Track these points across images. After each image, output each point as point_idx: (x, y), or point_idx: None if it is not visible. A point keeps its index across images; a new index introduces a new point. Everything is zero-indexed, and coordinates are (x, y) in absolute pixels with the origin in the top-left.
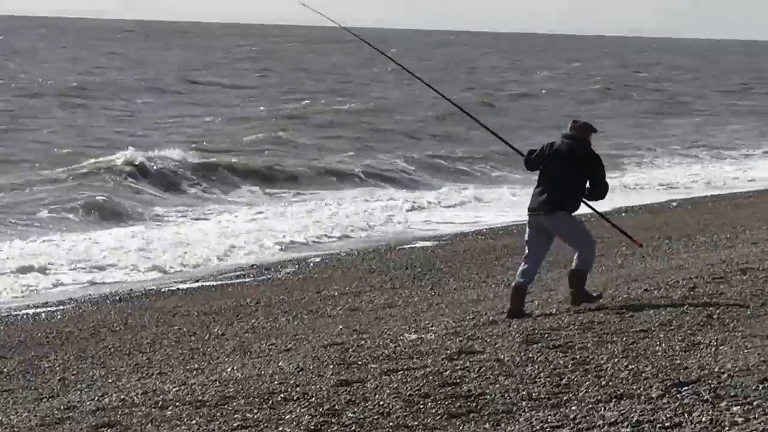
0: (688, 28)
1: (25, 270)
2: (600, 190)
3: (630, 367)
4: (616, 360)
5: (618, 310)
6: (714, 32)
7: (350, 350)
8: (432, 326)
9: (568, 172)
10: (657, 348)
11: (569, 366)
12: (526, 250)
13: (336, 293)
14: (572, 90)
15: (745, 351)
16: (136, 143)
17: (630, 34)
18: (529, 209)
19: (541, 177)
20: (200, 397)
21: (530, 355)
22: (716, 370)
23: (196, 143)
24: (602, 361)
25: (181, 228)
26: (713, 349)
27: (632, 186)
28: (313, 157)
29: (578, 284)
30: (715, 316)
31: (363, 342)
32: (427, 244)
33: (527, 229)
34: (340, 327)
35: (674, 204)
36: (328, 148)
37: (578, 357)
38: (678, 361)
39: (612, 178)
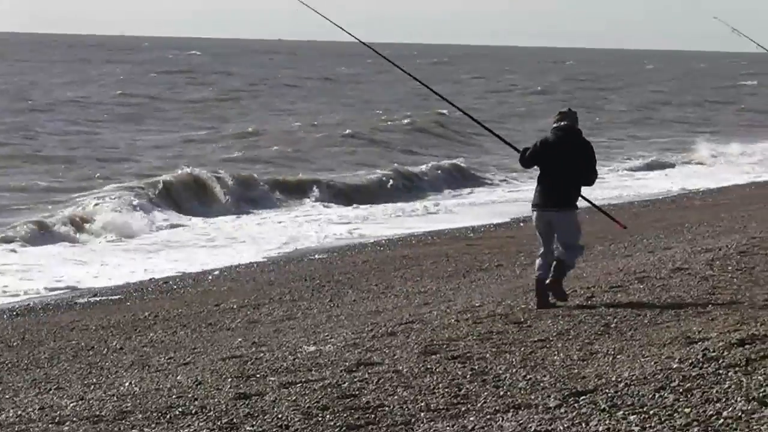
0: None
1: None
2: (593, 177)
3: (528, 377)
4: (514, 370)
5: (516, 320)
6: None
7: (249, 363)
8: (331, 338)
9: (570, 165)
10: (555, 357)
11: (467, 376)
12: (542, 246)
13: (235, 306)
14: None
15: (642, 359)
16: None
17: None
18: (539, 206)
19: (544, 173)
20: (98, 413)
21: (429, 365)
22: (613, 379)
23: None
24: (500, 371)
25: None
26: (610, 358)
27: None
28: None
29: (560, 275)
30: (612, 325)
31: (262, 354)
32: (325, 256)
33: (538, 224)
34: (239, 340)
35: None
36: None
37: (476, 367)
38: (576, 371)
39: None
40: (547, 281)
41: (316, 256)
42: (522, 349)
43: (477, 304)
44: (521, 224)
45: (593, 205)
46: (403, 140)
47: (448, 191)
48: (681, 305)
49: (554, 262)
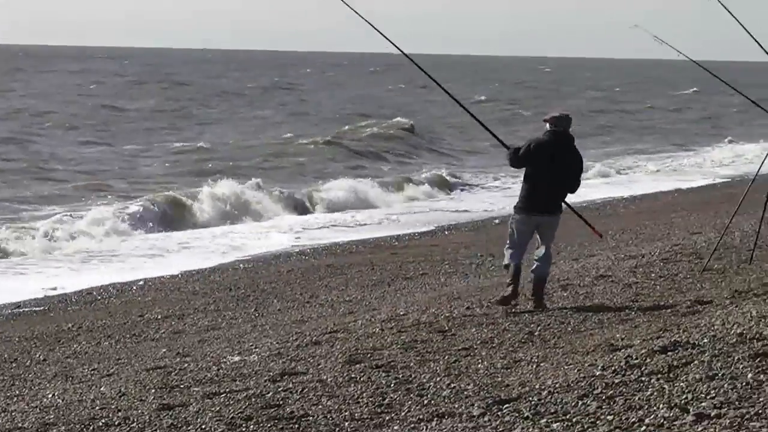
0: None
1: None
2: (577, 185)
3: (452, 385)
4: (438, 379)
5: (440, 329)
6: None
7: (173, 374)
8: (255, 348)
9: (565, 170)
10: (479, 366)
11: (391, 385)
12: (516, 242)
13: (159, 316)
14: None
15: (566, 367)
16: None
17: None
18: (534, 210)
19: (535, 176)
20: (20, 425)
21: (353, 375)
22: (537, 386)
23: None
24: (424, 380)
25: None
26: (534, 366)
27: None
28: None
29: (542, 290)
30: (536, 333)
31: (186, 365)
32: (250, 265)
33: (520, 226)
34: (163, 350)
35: (497, 221)
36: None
37: (400, 376)
38: (499, 379)
39: (438, 201)
40: (534, 299)
41: (241, 266)
42: (446, 357)
43: (401, 313)
44: (446, 233)
45: (572, 209)
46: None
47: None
48: (604, 312)
49: (536, 279)
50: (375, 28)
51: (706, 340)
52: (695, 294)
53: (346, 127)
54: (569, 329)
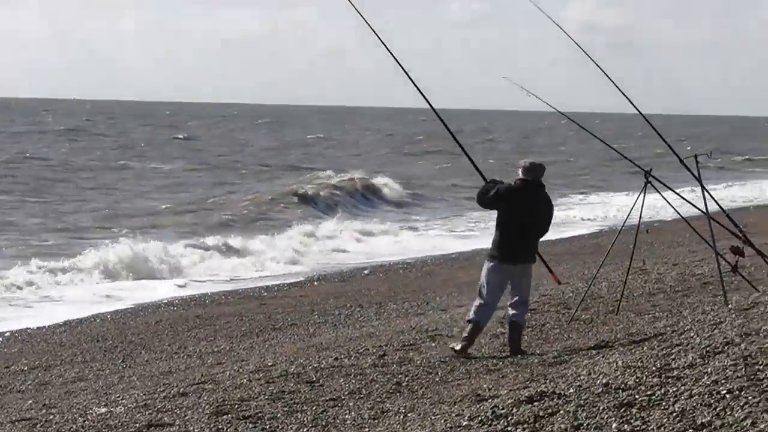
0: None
1: None
2: (547, 231)
3: None
4: (305, 430)
5: (308, 380)
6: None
7: (38, 426)
8: (122, 399)
9: (540, 219)
10: (346, 417)
11: None
12: (486, 295)
13: (25, 367)
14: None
15: (433, 417)
16: None
17: None
18: (511, 260)
19: (511, 224)
20: None
21: (219, 426)
22: None
23: None
24: (292, 431)
25: None
26: (401, 417)
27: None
28: None
29: (518, 337)
30: (404, 384)
31: (52, 417)
32: (118, 316)
33: (493, 276)
34: (29, 402)
35: (366, 272)
36: None
37: (267, 427)
38: (366, 429)
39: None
40: (511, 347)
41: (108, 317)
42: (314, 408)
43: (269, 364)
44: (315, 283)
45: (540, 257)
46: None
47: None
48: (472, 362)
49: (512, 328)
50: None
51: (572, 390)
52: (562, 344)
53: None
54: (437, 379)
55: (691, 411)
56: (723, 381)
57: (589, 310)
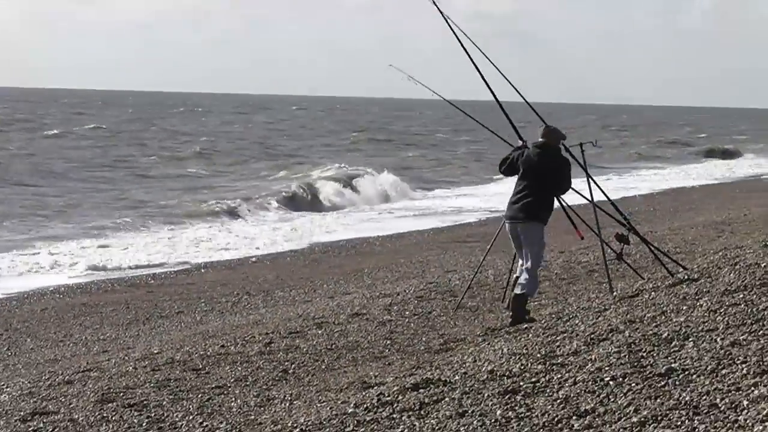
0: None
1: None
2: (563, 190)
3: (204, 423)
4: (190, 417)
5: (194, 367)
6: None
7: None
8: (6, 387)
9: (540, 182)
10: (232, 404)
11: (144, 424)
12: (518, 256)
13: None
14: None
15: (318, 405)
16: None
17: None
18: (507, 217)
19: (516, 186)
20: None
21: (105, 414)
22: (289, 424)
23: None
24: (177, 419)
25: None
26: (287, 404)
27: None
28: None
29: (521, 307)
30: (290, 371)
31: None
32: (3, 304)
33: (509, 236)
34: None
35: (253, 260)
36: None
37: (153, 415)
38: (252, 417)
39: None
40: (511, 318)
41: None
42: (199, 395)
43: (156, 351)
44: (202, 270)
45: (565, 210)
46: None
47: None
48: (359, 350)
49: (514, 296)
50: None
51: (457, 377)
52: (448, 331)
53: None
54: (323, 367)
55: (575, 398)
56: (607, 368)
57: (475, 298)
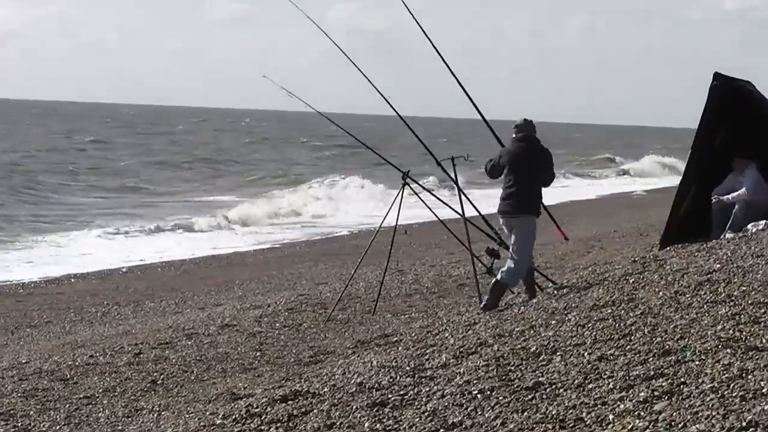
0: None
1: None
2: (549, 177)
3: None
4: (58, 428)
5: (62, 377)
6: None
7: None
8: None
9: (526, 172)
10: (100, 414)
11: None
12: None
13: None
14: None
15: (187, 416)
16: None
17: None
18: (500, 212)
19: (504, 182)
20: None
21: None
22: None
23: None
24: (44, 429)
25: None
26: (155, 415)
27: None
28: None
29: (497, 294)
30: (159, 382)
31: None
32: None
33: (505, 230)
34: None
35: (124, 270)
36: None
37: (20, 425)
38: (120, 428)
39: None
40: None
41: None
42: (67, 406)
43: (24, 361)
44: (72, 280)
45: (547, 211)
46: None
47: None
48: (228, 362)
49: (494, 281)
50: None
51: (326, 389)
52: (319, 343)
53: None
54: (192, 378)
55: (443, 410)
56: (475, 381)
57: (346, 310)
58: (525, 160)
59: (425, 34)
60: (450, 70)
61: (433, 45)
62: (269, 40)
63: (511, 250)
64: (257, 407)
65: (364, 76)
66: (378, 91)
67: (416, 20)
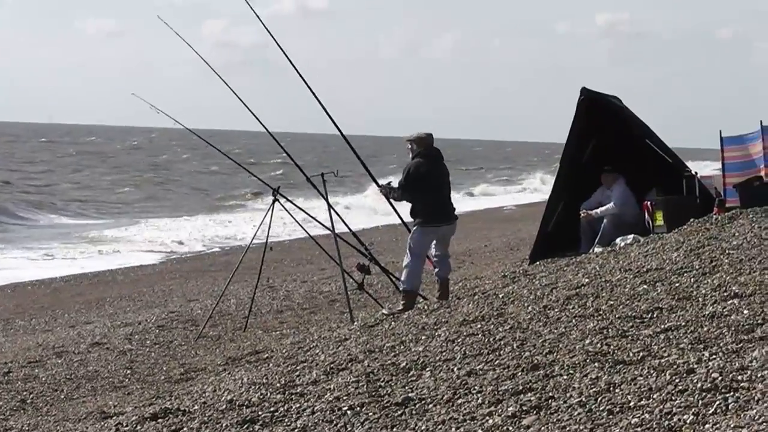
0: None
1: None
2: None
3: None
4: None
5: None
6: None
7: None
8: None
9: (448, 182)
10: None
11: None
12: (418, 258)
13: None
14: None
15: None
16: None
17: None
18: (439, 221)
19: (429, 191)
20: None
21: None
22: None
23: None
24: None
25: None
26: None
27: None
28: None
29: (447, 289)
30: (29, 401)
31: None
32: None
33: (424, 239)
34: None
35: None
36: None
37: None
38: None
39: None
40: (438, 296)
41: None
42: None
43: None
44: None
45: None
46: None
47: None
48: (98, 380)
49: (443, 281)
50: None
51: (196, 407)
52: (189, 360)
53: None
54: (62, 396)
55: (312, 427)
56: (345, 397)
57: (217, 327)
58: (444, 173)
59: (286, 55)
60: (309, 87)
61: (293, 65)
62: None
63: (439, 255)
64: (127, 425)
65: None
66: (246, 106)
67: (278, 44)
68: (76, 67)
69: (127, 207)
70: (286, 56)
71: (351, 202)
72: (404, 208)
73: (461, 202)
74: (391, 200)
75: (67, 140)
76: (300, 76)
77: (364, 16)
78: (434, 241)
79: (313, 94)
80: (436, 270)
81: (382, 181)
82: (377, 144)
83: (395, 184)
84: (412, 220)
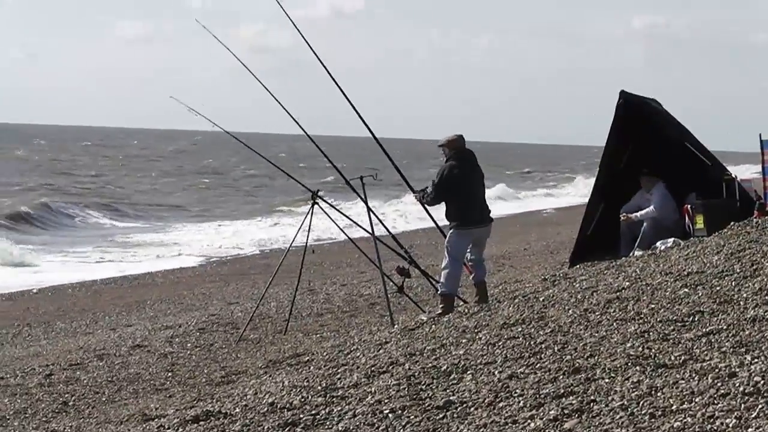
0: None
1: None
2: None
3: None
4: None
5: None
6: None
7: None
8: None
9: (482, 184)
10: None
11: None
12: (456, 261)
13: None
14: None
15: None
16: None
17: None
18: (474, 223)
19: (465, 194)
20: None
21: None
22: None
23: None
24: None
25: None
26: None
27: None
28: None
29: (486, 292)
30: (70, 403)
31: None
32: None
33: (460, 241)
34: None
35: (35, 291)
36: None
37: None
38: None
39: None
40: (477, 300)
41: None
42: None
43: None
44: None
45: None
46: None
47: None
48: (140, 382)
49: (480, 283)
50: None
51: (238, 410)
52: (230, 363)
53: None
54: (104, 399)
55: (354, 430)
56: (386, 400)
57: (257, 330)
58: (478, 175)
59: (318, 58)
60: (342, 91)
61: (325, 68)
62: (176, 60)
63: (476, 256)
64: (169, 428)
65: (271, 95)
66: (286, 110)
67: (310, 46)
68: (106, 69)
69: (175, 210)
70: (319, 59)
71: (391, 207)
72: (439, 213)
73: (500, 205)
74: (426, 206)
75: (110, 143)
76: (332, 78)
77: (397, 18)
78: (470, 245)
79: (346, 97)
80: (472, 275)
81: (418, 187)
82: (411, 147)
83: (430, 189)
84: (447, 223)
